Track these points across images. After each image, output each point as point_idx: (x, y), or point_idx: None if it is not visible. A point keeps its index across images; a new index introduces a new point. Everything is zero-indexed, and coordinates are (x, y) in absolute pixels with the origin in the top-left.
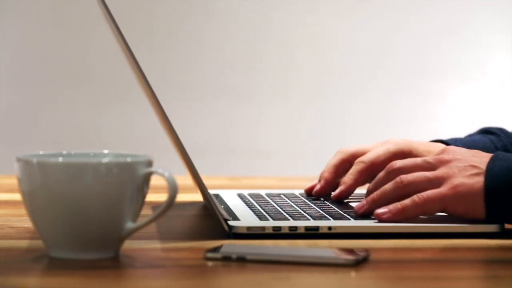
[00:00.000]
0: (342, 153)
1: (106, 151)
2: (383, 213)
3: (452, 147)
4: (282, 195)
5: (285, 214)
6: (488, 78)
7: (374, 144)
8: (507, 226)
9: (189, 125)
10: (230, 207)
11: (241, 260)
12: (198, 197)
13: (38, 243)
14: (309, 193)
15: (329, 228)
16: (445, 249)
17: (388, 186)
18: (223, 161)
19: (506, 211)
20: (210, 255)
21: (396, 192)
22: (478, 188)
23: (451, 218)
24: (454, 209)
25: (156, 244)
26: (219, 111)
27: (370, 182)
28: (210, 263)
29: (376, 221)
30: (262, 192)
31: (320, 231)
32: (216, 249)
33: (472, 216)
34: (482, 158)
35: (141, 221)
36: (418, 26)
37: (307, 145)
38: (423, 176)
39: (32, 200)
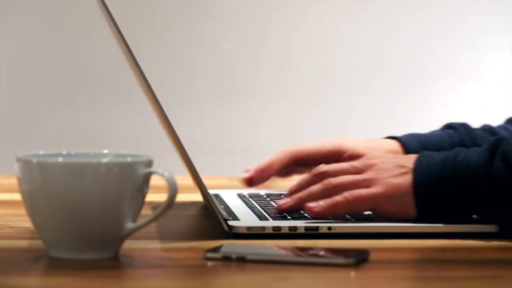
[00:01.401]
0: (283, 152)
1: (106, 151)
2: (315, 207)
3: (377, 152)
4: (282, 195)
5: (285, 214)
6: (488, 78)
7: (313, 142)
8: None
9: (189, 125)
10: (230, 207)
11: (241, 260)
12: (198, 197)
13: (38, 243)
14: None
15: (329, 228)
16: (445, 249)
17: (316, 186)
18: (223, 161)
19: (436, 207)
20: (210, 255)
21: (324, 193)
22: (406, 186)
23: (452, 218)
24: (385, 209)
25: (156, 244)
26: (219, 111)
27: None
28: (210, 263)
29: (378, 220)
30: (262, 192)
31: (320, 231)
32: (216, 249)
33: (403, 214)
34: (408, 159)
35: (141, 221)
36: (418, 26)
37: None
38: (351, 179)
39: (32, 200)
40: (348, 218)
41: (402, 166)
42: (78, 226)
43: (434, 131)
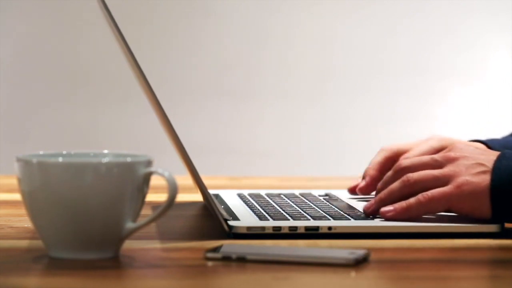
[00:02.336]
0: (385, 151)
1: (106, 151)
2: (388, 211)
3: (460, 145)
4: (282, 195)
5: (285, 214)
6: (488, 78)
7: (416, 141)
8: (506, 225)
9: (189, 125)
10: (230, 207)
11: (241, 260)
12: (198, 197)
13: (38, 243)
14: (353, 192)
15: (329, 228)
16: (445, 249)
17: (395, 185)
18: (223, 161)
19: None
20: (210, 255)
21: (403, 190)
22: (484, 187)
23: (452, 218)
24: (460, 208)
25: (156, 244)
26: (219, 111)
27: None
28: (210, 263)
29: (378, 220)
30: (262, 192)
31: (320, 231)
32: (216, 249)
33: (478, 215)
34: (489, 156)
35: (141, 221)
36: (418, 26)
37: (307, 145)
38: (429, 174)
39: (32, 200)
40: (348, 218)
41: (482, 165)
42: (78, 226)
43: (509, 137)
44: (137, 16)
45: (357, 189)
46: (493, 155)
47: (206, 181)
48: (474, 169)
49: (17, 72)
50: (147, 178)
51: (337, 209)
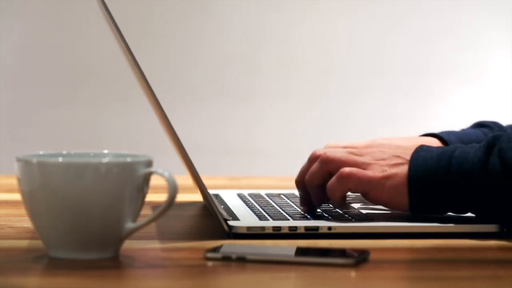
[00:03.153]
0: (329, 147)
1: (106, 151)
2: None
3: (379, 140)
4: (282, 195)
5: (285, 214)
6: (488, 78)
7: (361, 142)
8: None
9: (189, 125)
10: (230, 207)
11: (241, 260)
12: (198, 197)
13: (38, 243)
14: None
15: (329, 228)
16: (445, 249)
17: (314, 166)
18: (223, 161)
19: (430, 201)
20: (210, 255)
21: (323, 167)
22: (401, 176)
23: (452, 218)
24: (378, 195)
25: (156, 244)
26: (219, 111)
27: None
28: (210, 263)
29: (378, 220)
30: (262, 192)
31: (320, 231)
32: (216, 249)
33: (394, 205)
34: (406, 150)
35: (141, 221)
36: (418, 26)
37: (307, 145)
38: (351, 158)
39: (32, 200)
40: (348, 218)
41: (399, 157)
42: (78, 226)
43: (468, 129)
44: (137, 16)
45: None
46: (410, 149)
47: (206, 181)
48: (392, 161)
49: (17, 72)
50: (147, 178)
51: (336, 209)
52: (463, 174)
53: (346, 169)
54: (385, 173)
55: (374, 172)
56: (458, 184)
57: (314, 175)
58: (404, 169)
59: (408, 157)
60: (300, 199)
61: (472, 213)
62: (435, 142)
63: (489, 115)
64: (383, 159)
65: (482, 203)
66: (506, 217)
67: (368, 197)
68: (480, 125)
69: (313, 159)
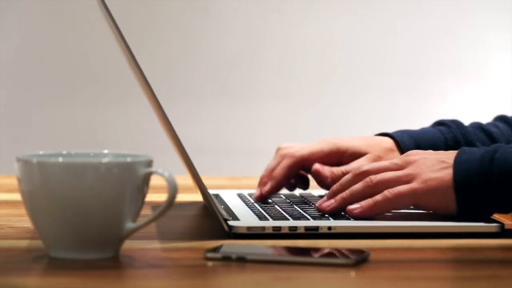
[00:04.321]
0: (287, 159)
1: (106, 151)
2: (355, 208)
3: (416, 150)
4: (282, 195)
5: (285, 214)
6: (488, 78)
7: (310, 143)
8: (506, 226)
9: (189, 125)
10: (230, 207)
11: (241, 260)
12: (198, 197)
13: (38, 243)
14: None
15: (329, 228)
16: (445, 249)
17: (357, 185)
18: (223, 161)
19: (476, 202)
20: (210, 255)
21: (366, 191)
22: (447, 180)
23: (452, 218)
24: (426, 203)
25: (156, 244)
26: (219, 111)
27: (297, 179)
28: (210, 263)
29: (378, 220)
30: None
31: (320, 231)
32: (216, 249)
33: (444, 209)
34: (448, 154)
35: (141, 221)
36: (418, 26)
37: None
38: (392, 175)
39: (32, 200)
40: (348, 218)
41: (443, 161)
42: (78, 226)
43: (426, 128)
44: (137, 16)
45: (253, 197)
46: (452, 153)
47: (206, 181)
48: (436, 166)
49: (17, 72)
50: (147, 178)
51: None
52: (506, 175)
53: (390, 192)
54: (430, 181)
55: (418, 182)
56: (501, 185)
57: (355, 194)
58: (449, 173)
59: (452, 160)
60: (327, 206)
61: None
62: (388, 142)
63: (489, 115)
64: (427, 166)
65: None
66: None
67: (418, 207)
68: (438, 123)
69: (358, 174)
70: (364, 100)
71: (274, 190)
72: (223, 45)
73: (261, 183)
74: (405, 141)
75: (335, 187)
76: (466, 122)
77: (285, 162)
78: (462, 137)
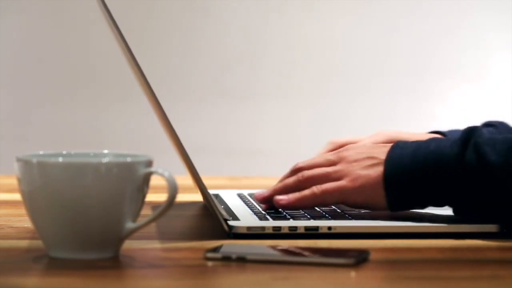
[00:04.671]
0: (332, 144)
1: (106, 151)
2: (281, 199)
3: (352, 144)
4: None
5: (285, 214)
6: (489, 78)
7: (365, 137)
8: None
9: (189, 125)
10: (230, 207)
11: (241, 260)
12: (198, 197)
13: (38, 243)
14: None
15: (329, 228)
16: (445, 249)
17: (290, 179)
18: (223, 161)
19: (407, 198)
20: (210, 255)
21: (297, 184)
22: (376, 177)
23: (452, 218)
24: (354, 200)
25: (156, 244)
26: (219, 111)
27: None
28: (210, 263)
29: (378, 220)
30: None
31: (320, 231)
32: (216, 249)
33: (372, 205)
34: (381, 149)
35: (141, 221)
36: (418, 26)
37: (307, 145)
38: (323, 171)
39: (32, 200)
40: (348, 218)
41: (374, 158)
42: (78, 226)
43: None
44: (137, 16)
45: None
46: (386, 147)
47: (206, 181)
48: (366, 163)
49: (17, 72)
50: (147, 178)
51: (337, 209)
52: (440, 168)
53: (318, 188)
54: (358, 178)
55: (346, 180)
56: (434, 178)
57: (286, 187)
58: (378, 170)
59: (383, 156)
60: (259, 195)
61: (450, 206)
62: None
63: (490, 115)
64: (357, 161)
65: (459, 197)
66: (485, 209)
67: (346, 204)
68: (487, 124)
69: (294, 170)
70: (364, 100)
71: None
72: (223, 45)
73: None
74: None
75: (276, 185)
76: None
77: (324, 148)
78: None
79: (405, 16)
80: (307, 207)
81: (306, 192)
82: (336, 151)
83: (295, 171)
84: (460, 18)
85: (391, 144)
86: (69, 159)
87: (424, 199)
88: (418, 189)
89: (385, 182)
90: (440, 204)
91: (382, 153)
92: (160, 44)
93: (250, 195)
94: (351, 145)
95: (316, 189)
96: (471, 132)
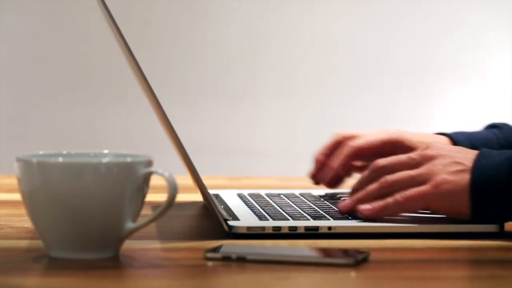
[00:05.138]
0: (337, 135)
1: (106, 151)
2: (366, 209)
3: (437, 143)
4: (282, 195)
5: (285, 214)
6: (488, 78)
7: (371, 131)
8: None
9: (189, 125)
10: (230, 207)
11: (241, 260)
12: (198, 197)
13: (38, 243)
14: (314, 179)
15: (329, 228)
16: (445, 249)
17: (373, 186)
18: (223, 161)
19: (491, 209)
20: (210, 255)
21: (380, 191)
22: (463, 185)
23: (451, 218)
24: (438, 207)
25: (156, 244)
26: (219, 111)
27: (356, 168)
28: (210, 263)
29: (378, 220)
30: (262, 192)
31: (320, 231)
32: (216, 249)
33: (456, 214)
34: (467, 155)
35: (141, 221)
36: (418, 26)
37: (307, 145)
38: (406, 175)
39: (32, 200)
40: (348, 218)
41: (460, 163)
42: (78, 226)
43: (479, 131)
44: (137, 16)
45: (308, 175)
46: (471, 153)
47: (206, 181)
48: (452, 168)
49: (17, 72)
50: (147, 178)
51: (337, 209)
52: None
53: (402, 195)
54: (444, 184)
55: (431, 184)
56: None
57: (370, 194)
58: (465, 177)
59: (470, 163)
60: (343, 207)
61: None
62: (445, 140)
63: (489, 115)
64: (443, 166)
65: None
66: None
67: (430, 210)
68: (491, 126)
69: (375, 170)
70: (364, 100)
71: (320, 171)
72: (223, 45)
73: (317, 163)
74: (460, 140)
75: (355, 185)
76: (466, 122)
77: (343, 152)
78: None
79: (405, 16)
80: (391, 215)
81: (390, 200)
82: (419, 150)
83: (376, 171)
84: (460, 18)
85: (477, 152)
86: (69, 159)
87: (507, 212)
88: (501, 200)
89: (471, 190)
90: None
91: (468, 159)
92: (160, 44)
93: (250, 195)
94: (433, 144)
95: (399, 197)
96: None
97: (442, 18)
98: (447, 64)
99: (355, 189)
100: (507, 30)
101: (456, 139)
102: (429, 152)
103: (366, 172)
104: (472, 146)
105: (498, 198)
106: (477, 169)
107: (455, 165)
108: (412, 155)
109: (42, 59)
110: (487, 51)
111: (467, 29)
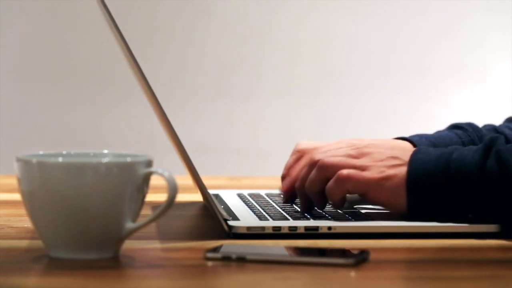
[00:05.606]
0: (299, 150)
1: (106, 151)
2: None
3: (371, 142)
4: (282, 195)
5: (285, 214)
6: (489, 78)
7: (327, 142)
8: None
9: (189, 125)
10: (230, 207)
11: (241, 260)
12: (198, 197)
13: (38, 243)
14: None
15: (329, 228)
16: (445, 249)
17: (313, 175)
18: (223, 161)
19: (427, 202)
20: (210, 255)
21: (320, 175)
22: (400, 178)
23: (452, 218)
24: (377, 195)
25: (156, 244)
26: (219, 111)
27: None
28: (210, 263)
29: (378, 220)
30: (262, 192)
31: (320, 231)
32: (216, 249)
33: (394, 205)
34: (403, 151)
35: (141, 221)
36: (418, 26)
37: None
38: (345, 161)
39: (32, 200)
40: (348, 218)
41: (397, 158)
42: (78, 226)
43: (442, 131)
44: (137, 16)
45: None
46: (406, 150)
47: (206, 181)
48: (390, 162)
49: (17, 72)
50: (147, 178)
51: (336, 209)
52: (461, 176)
53: (344, 172)
54: (383, 174)
55: (372, 173)
56: (456, 186)
57: (313, 182)
58: (402, 170)
59: (406, 158)
60: (301, 205)
61: (470, 213)
62: (409, 146)
63: (490, 116)
64: (381, 160)
65: (480, 205)
66: (504, 218)
67: (367, 198)
68: (454, 127)
69: (312, 164)
70: (365, 100)
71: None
72: (224, 45)
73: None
74: (424, 144)
75: (297, 183)
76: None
77: (291, 158)
78: (479, 140)
79: (407, 17)
80: (332, 195)
81: (331, 182)
82: (356, 147)
83: (313, 164)
84: (462, 20)
85: (414, 148)
86: (69, 159)
87: (444, 205)
88: (439, 194)
89: (408, 183)
90: (460, 212)
91: (404, 155)
92: (160, 44)
93: (250, 195)
94: (370, 142)
95: (340, 174)
96: (493, 140)
97: (444, 19)
98: (448, 65)
99: (298, 186)
100: (509, 31)
101: (420, 144)
102: (367, 149)
103: (304, 169)
104: None
105: (434, 193)
106: (413, 163)
107: (392, 160)
108: (349, 150)
109: (42, 59)
110: (488, 52)
111: (469, 31)
